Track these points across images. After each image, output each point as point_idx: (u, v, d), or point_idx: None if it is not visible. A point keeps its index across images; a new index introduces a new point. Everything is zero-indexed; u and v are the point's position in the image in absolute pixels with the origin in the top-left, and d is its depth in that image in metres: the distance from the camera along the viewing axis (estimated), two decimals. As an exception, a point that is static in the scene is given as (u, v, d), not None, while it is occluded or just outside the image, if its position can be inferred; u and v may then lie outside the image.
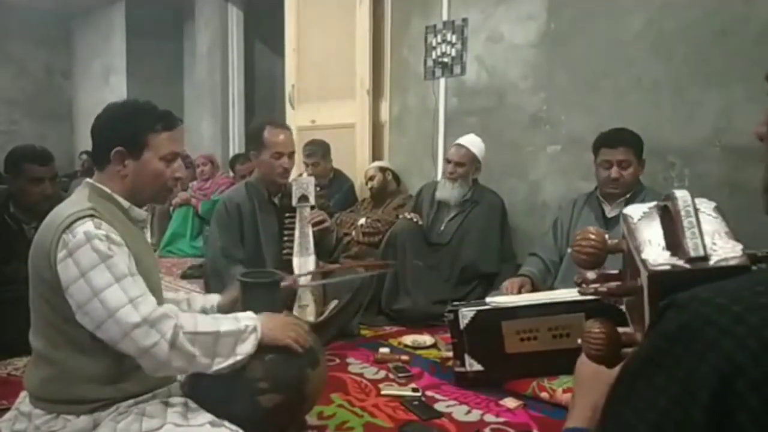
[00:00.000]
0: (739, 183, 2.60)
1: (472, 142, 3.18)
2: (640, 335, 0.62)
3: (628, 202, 2.48)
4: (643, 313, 0.60)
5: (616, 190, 2.48)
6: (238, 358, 1.36)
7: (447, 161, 3.17)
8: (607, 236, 0.69)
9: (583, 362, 0.72)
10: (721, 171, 2.66)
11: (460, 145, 3.16)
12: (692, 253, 0.57)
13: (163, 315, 1.27)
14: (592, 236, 0.67)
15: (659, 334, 0.49)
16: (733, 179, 2.61)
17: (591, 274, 0.69)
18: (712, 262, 0.57)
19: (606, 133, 2.53)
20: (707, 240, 0.58)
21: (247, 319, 1.41)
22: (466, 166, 3.13)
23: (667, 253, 0.59)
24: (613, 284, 0.67)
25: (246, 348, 1.37)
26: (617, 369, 0.63)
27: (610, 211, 2.53)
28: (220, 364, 1.34)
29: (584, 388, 0.72)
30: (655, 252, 0.60)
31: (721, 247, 0.58)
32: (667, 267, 0.58)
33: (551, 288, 2.56)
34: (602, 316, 0.69)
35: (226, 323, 1.37)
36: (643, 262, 0.59)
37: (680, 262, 0.58)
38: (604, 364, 0.65)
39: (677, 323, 0.48)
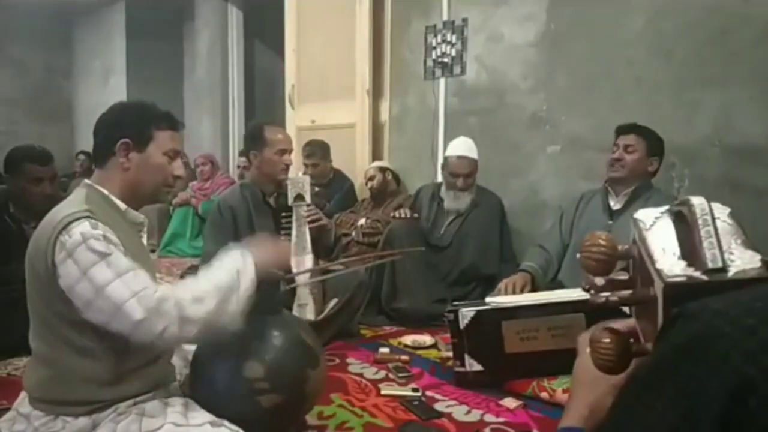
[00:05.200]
0: (739, 183, 2.60)
1: (470, 148, 3.14)
2: (651, 345, 0.61)
3: (632, 196, 2.49)
4: (656, 323, 0.58)
5: (616, 173, 2.51)
6: (243, 301, 1.33)
7: (453, 175, 3.11)
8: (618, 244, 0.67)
9: (583, 364, 0.70)
10: (721, 171, 2.66)
11: (462, 157, 3.10)
12: (710, 265, 0.55)
13: (161, 299, 1.25)
14: (602, 242, 0.64)
15: (669, 345, 0.48)
16: (733, 179, 2.61)
17: (599, 280, 0.67)
18: (730, 274, 0.55)
19: (626, 123, 2.57)
20: (724, 249, 0.56)
21: (235, 261, 1.38)
22: (472, 176, 3.14)
23: (683, 263, 0.57)
24: (625, 293, 0.64)
25: (246, 290, 1.34)
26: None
27: (615, 204, 2.54)
28: (231, 313, 1.32)
29: (582, 388, 0.71)
30: (670, 261, 0.58)
31: (738, 257, 0.56)
32: (684, 278, 0.56)
33: (555, 279, 2.57)
34: (604, 318, 0.67)
35: (219, 275, 1.34)
36: (659, 272, 0.57)
37: (697, 274, 0.56)
38: (613, 374, 0.64)
39: (687, 334, 0.46)
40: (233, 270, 1.35)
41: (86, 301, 1.24)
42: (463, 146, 3.16)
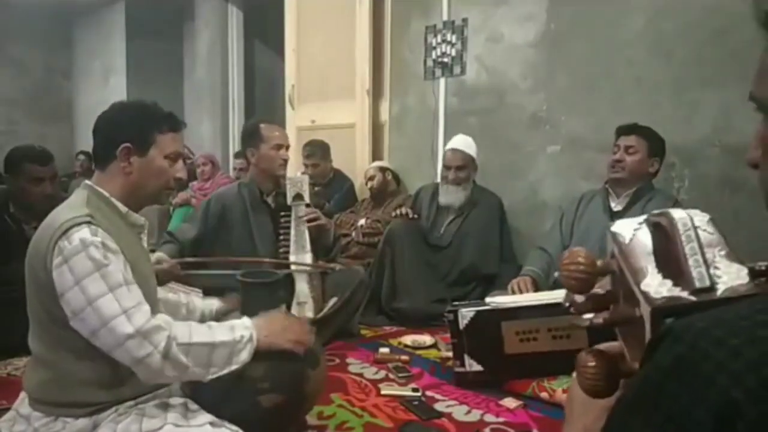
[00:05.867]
0: (739, 183, 2.60)
1: (467, 143, 3.16)
2: (638, 364, 0.60)
3: (633, 197, 2.49)
4: (643, 343, 0.56)
5: (616, 174, 2.50)
6: (234, 367, 1.35)
7: (446, 168, 3.15)
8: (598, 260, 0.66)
9: (576, 385, 0.70)
10: (721, 171, 2.66)
11: (455, 150, 3.14)
12: (697, 284, 0.53)
13: (156, 327, 1.26)
14: (581, 259, 0.62)
15: (655, 367, 0.47)
16: (733, 179, 2.61)
17: (579, 297, 0.66)
18: (718, 293, 0.53)
19: (627, 123, 2.56)
20: (709, 264, 0.55)
21: (242, 328, 1.38)
22: (467, 169, 3.13)
23: (669, 283, 0.55)
24: (609, 315, 0.63)
25: (241, 358, 1.35)
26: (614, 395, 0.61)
27: (615, 205, 2.54)
28: (215, 373, 1.33)
29: (576, 410, 0.70)
30: (655, 281, 0.56)
31: (725, 272, 0.54)
32: (671, 300, 0.54)
33: (556, 282, 2.57)
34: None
35: (222, 333, 1.35)
36: (645, 294, 0.55)
37: (684, 294, 0.54)
38: (600, 397, 0.62)
39: (672, 356, 0.46)
40: (234, 344, 1.34)
41: (75, 310, 1.24)
42: (459, 141, 3.19)
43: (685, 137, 2.73)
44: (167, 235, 2.67)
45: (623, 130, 2.53)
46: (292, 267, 2.54)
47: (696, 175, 2.74)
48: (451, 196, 3.15)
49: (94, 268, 1.24)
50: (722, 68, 2.62)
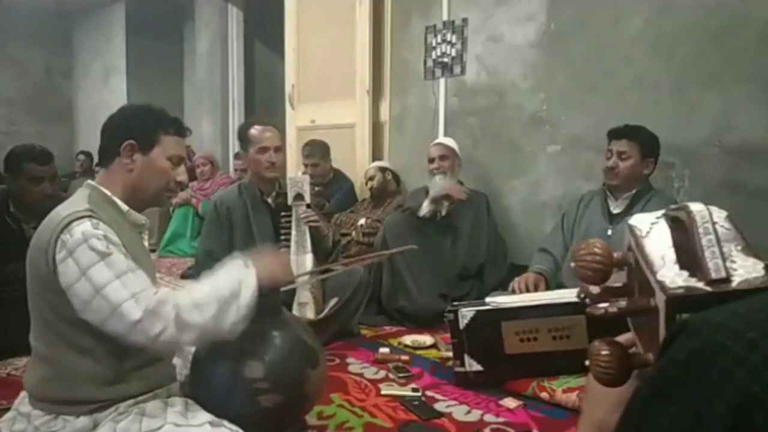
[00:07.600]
0: (739, 183, 2.60)
1: (447, 140, 3.34)
2: (652, 355, 0.59)
3: (633, 200, 2.49)
4: (657, 334, 0.57)
5: (611, 181, 2.50)
6: (243, 312, 1.32)
7: (430, 161, 3.25)
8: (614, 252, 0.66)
9: (591, 379, 0.70)
10: (721, 171, 2.66)
11: (437, 143, 3.30)
12: (713, 275, 0.54)
13: (160, 301, 1.26)
14: (598, 250, 0.62)
15: (671, 361, 0.47)
16: (733, 179, 2.61)
17: (594, 289, 0.66)
18: (734, 284, 0.54)
19: (618, 126, 2.54)
20: (726, 257, 0.55)
21: (239, 272, 1.37)
22: (449, 159, 3.21)
23: (685, 273, 0.56)
24: (624, 304, 0.63)
25: (247, 301, 1.33)
26: (626, 387, 0.61)
27: (614, 208, 2.53)
28: (228, 321, 1.31)
29: (591, 404, 0.69)
30: (671, 272, 0.56)
31: (741, 265, 0.55)
32: (687, 290, 0.55)
33: (560, 282, 2.57)
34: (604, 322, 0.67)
35: (221, 283, 1.34)
36: (660, 284, 0.56)
37: (700, 285, 0.54)
38: (612, 386, 0.62)
39: (689, 349, 0.46)
40: (235, 279, 1.35)
41: (84, 301, 1.25)
42: (440, 139, 3.38)
43: (685, 137, 2.73)
44: (211, 261, 2.56)
45: (614, 134, 2.51)
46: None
47: (696, 175, 2.74)
48: (439, 186, 3.18)
49: (99, 258, 1.25)
50: (722, 68, 2.62)
